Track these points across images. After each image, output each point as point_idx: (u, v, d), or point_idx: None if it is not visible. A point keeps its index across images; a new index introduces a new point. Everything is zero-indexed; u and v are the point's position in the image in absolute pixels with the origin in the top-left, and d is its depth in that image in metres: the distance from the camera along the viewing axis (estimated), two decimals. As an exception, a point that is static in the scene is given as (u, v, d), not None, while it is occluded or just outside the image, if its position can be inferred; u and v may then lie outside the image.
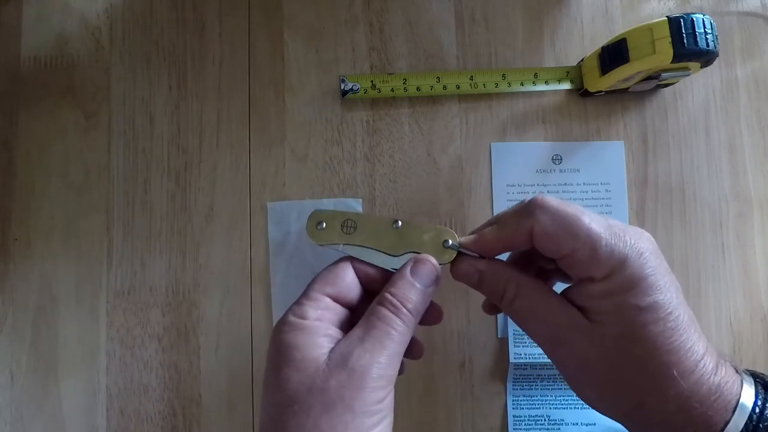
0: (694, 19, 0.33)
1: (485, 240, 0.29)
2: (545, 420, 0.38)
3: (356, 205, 0.39)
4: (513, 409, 0.38)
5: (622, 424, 0.28)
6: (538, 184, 0.40)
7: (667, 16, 0.34)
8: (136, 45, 0.40)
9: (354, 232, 0.30)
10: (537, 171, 0.40)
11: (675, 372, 0.25)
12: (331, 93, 0.40)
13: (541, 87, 0.40)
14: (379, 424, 0.25)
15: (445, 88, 0.40)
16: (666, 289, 0.26)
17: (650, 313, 0.25)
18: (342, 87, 0.39)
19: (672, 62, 0.34)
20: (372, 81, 0.39)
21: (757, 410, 0.25)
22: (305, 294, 0.28)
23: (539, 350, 0.38)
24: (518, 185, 0.40)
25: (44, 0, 0.40)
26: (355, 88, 0.39)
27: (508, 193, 0.40)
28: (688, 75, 0.37)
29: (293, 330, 0.26)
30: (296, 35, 0.41)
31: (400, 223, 0.30)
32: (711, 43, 0.34)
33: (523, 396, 0.38)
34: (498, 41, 0.41)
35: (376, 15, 0.41)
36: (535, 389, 0.38)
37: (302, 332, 0.26)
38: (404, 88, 0.39)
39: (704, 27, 0.34)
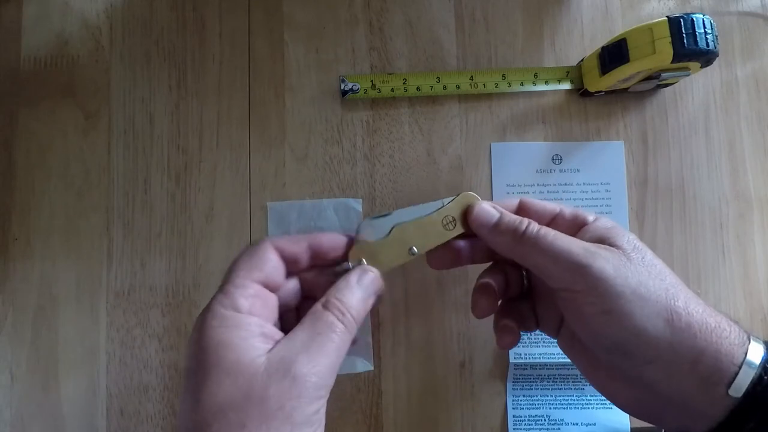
0: (694, 19, 0.33)
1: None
2: (545, 420, 0.38)
3: (356, 205, 0.39)
4: (513, 409, 0.38)
5: (644, 365, 0.26)
6: (538, 184, 0.40)
7: (667, 16, 0.34)
8: (136, 45, 0.40)
9: (452, 228, 0.31)
10: (537, 171, 0.40)
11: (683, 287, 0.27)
12: (331, 93, 0.40)
13: (541, 87, 0.40)
14: None
15: (445, 88, 0.40)
16: None
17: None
18: (342, 87, 0.39)
19: (672, 62, 0.34)
20: (372, 81, 0.39)
21: None
22: (230, 281, 0.26)
23: (539, 350, 0.39)
24: (518, 185, 0.40)
25: (44, 0, 0.40)
26: (355, 88, 0.39)
27: (508, 193, 0.40)
28: (688, 75, 0.37)
29: (224, 325, 0.24)
30: (296, 35, 0.41)
31: (415, 250, 0.30)
32: (711, 43, 0.34)
33: (523, 396, 0.38)
34: (498, 41, 0.41)
35: (376, 15, 0.41)
36: (535, 389, 0.38)
37: (235, 328, 0.24)
38: (404, 88, 0.39)
39: (704, 27, 0.34)
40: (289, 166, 0.40)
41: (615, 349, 0.26)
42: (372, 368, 0.38)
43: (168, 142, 0.39)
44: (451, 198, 0.31)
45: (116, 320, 0.38)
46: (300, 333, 0.25)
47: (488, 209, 0.30)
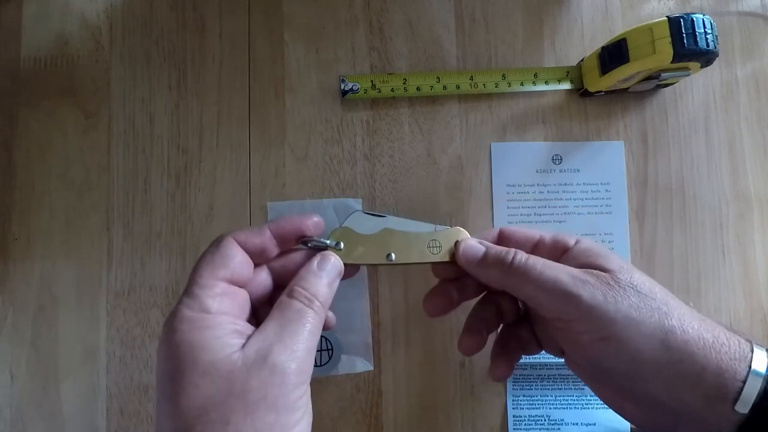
0: (694, 19, 0.33)
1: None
2: (545, 420, 0.38)
3: (356, 205, 0.39)
4: (513, 409, 0.38)
5: (646, 385, 0.26)
6: (538, 184, 0.40)
7: (667, 16, 0.34)
8: (136, 45, 0.40)
9: (436, 253, 0.32)
10: (537, 171, 0.40)
11: (678, 302, 0.27)
12: (331, 93, 0.40)
13: (541, 87, 0.40)
14: (302, 420, 0.24)
15: (445, 88, 0.40)
16: None
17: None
18: (342, 87, 0.39)
19: (672, 62, 0.34)
20: (372, 81, 0.39)
21: None
22: (194, 282, 0.25)
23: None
24: (518, 185, 0.40)
25: (44, 0, 0.40)
26: (355, 88, 0.39)
27: (508, 193, 0.40)
28: (688, 75, 0.37)
29: (194, 327, 0.24)
30: (296, 35, 0.41)
31: (393, 256, 0.31)
32: (711, 43, 0.34)
33: (523, 396, 0.38)
34: (498, 41, 0.41)
35: (376, 15, 0.41)
36: (535, 389, 0.38)
37: (206, 329, 0.24)
38: (404, 88, 0.39)
39: (704, 27, 0.34)
40: (289, 166, 0.40)
41: (614, 373, 0.27)
42: (372, 368, 0.38)
43: (168, 142, 0.39)
44: (444, 227, 0.32)
45: (116, 320, 0.38)
46: (271, 323, 0.25)
47: (474, 245, 0.30)
